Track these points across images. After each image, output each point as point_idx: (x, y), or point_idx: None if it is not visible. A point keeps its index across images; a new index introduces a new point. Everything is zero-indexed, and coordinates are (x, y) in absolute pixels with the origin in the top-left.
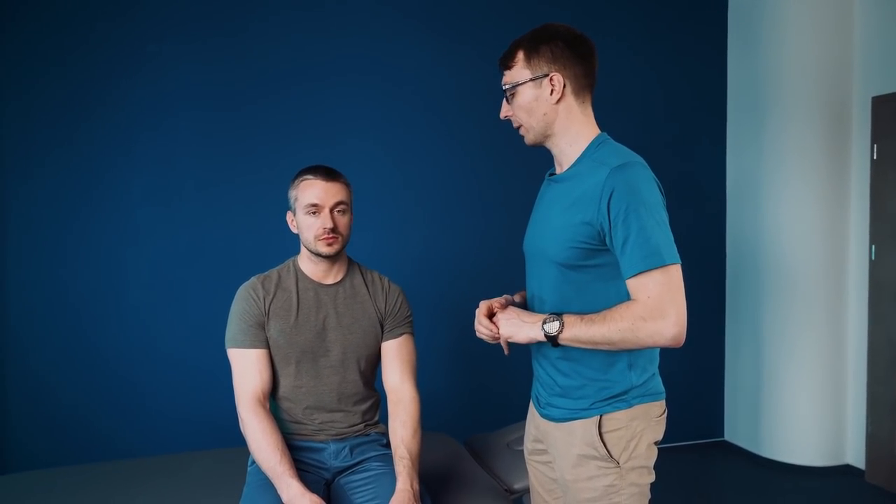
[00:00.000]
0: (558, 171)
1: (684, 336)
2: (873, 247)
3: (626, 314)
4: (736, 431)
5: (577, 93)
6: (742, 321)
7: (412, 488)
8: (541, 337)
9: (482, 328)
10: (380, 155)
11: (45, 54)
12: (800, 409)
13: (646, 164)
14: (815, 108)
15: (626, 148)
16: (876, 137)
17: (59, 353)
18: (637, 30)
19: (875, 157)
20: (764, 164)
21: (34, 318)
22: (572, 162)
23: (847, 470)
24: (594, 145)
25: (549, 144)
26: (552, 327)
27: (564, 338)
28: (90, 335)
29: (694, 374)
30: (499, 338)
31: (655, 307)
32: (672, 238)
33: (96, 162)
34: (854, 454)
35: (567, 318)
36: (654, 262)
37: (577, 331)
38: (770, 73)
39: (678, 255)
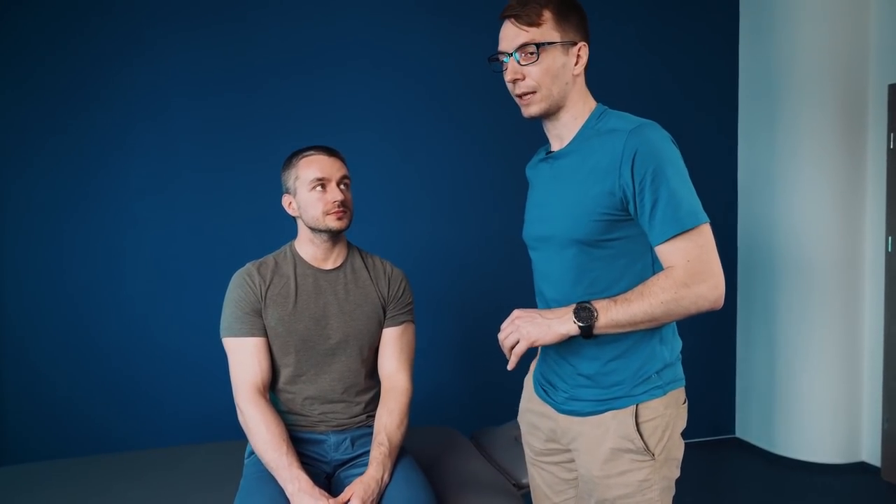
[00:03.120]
0: (557, 147)
1: (724, 297)
2: (890, 238)
3: (666, 284)
4: (748, 428)
5: (587, 66)
6: (754, 315)
7: (381, 479)
8: (574, 331)
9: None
10: (383, 144)
11: (41, 42)
12: (814, 405)
13: (658, 125)
14: (829, 97)
15: (629, 114)
16: (893, 126)
17: (57, 344)
18: (647, 17)
19: (892, 147)
20: (777, 153)
21: (31, 310)
22: (574, 134)
23: (862, 467)
24: (595, 116)
25: (552, 118)
26: (585, 317)
27: (601, 325)
28: (88, 327)
29: (705, 369)
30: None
31: (697, 271)
32: (697, 197)
33: (94, 151)
34: (869, 451)
35: (598, 304)
36: (689, 223)
37: (613, 314)
38: (783, 61)
39: (706, 213)
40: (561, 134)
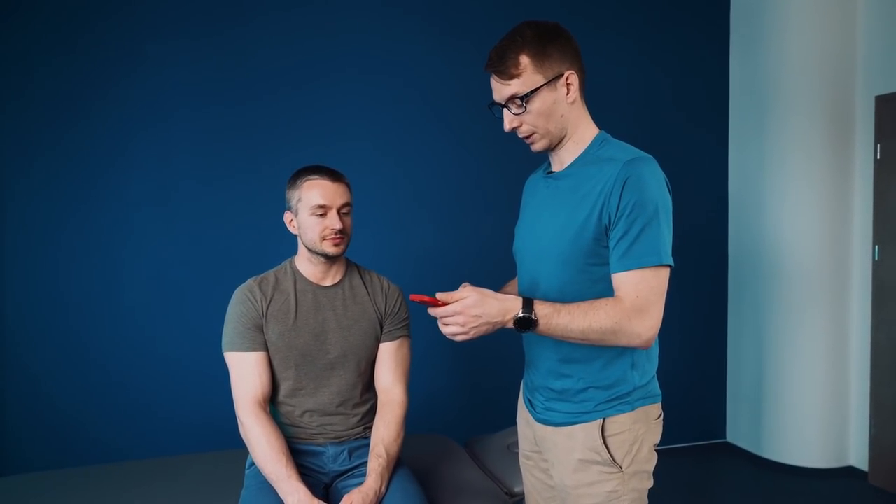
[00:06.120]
0: (557, 168)
1: (653, 341)
2: (876, 247)
3: (611, 313)
4: (738, 433)
5: (581, 88)
6: (744, 321)
7: (379, 490)
8: (509, 326)
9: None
10: (380, 154)
11: (42, 53)
12: (802, 410)
13: (655, 161)
14: (817, 107)
15: (629, 145)
16: (879, 137)
17: (56, 354)
18: (639, 27)
19: (878, 157)
20: (766, 163)
21: (31, 320)
22: (574, 158)
23: (850, 472)
24: (598, 142)
25: (557, 146)
26: (525, 325)
27: (538, 332)
28: (87, 337)
29: (696, 375)
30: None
31: (641, 308)
32: (671, 240)
33: (93, 161)
34: (857, 456)
35: (542, 311)
36: (650, 261)
37: (553, 326)
38: (772, 72)
39: (672, 258)
40: (562, 158)
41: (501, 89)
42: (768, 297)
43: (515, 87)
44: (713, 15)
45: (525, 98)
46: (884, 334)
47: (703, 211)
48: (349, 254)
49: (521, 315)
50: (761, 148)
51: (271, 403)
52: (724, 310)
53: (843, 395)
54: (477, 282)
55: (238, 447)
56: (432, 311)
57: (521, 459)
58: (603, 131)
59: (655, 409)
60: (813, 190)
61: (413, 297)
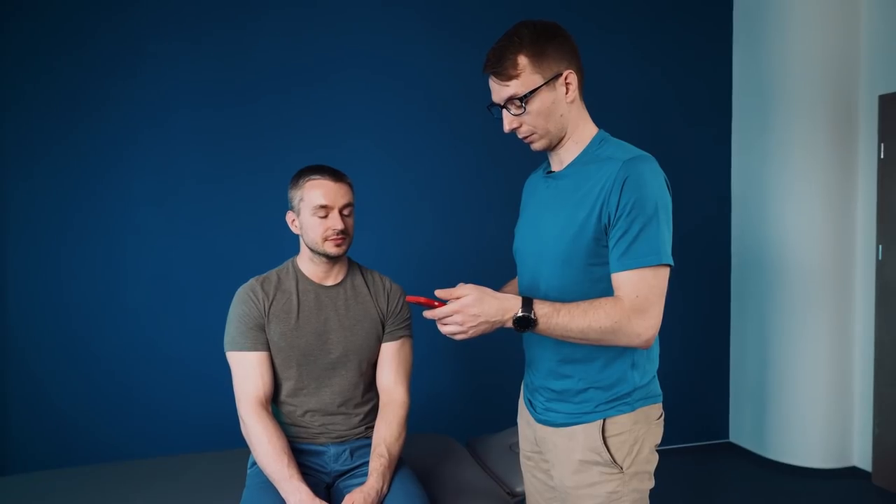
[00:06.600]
0: (556, 168)
1: (653, 340)
2: (880, 247)
3: (611, 313)
4: (741, 433)
5: (580, 88)
6: (747, 321)
7: (381, 490)
8: (508, 325)
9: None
10: (382, 154)
11: (45, 52)
12: (806, 410)
13: (654, 160)
14: (821, 107)
15: (629, 144)
16: (883, 136)
17: (59, 353)
18: (641, 27)
19: (882, 156)
20: (769, 162)
21: (34, 320)
22: (574, 158)
23: (853, 472)
24: (597, 142)
25: (557, 146)
26: (524, 324)
27: (538, 331)
28: (90, 336)
29: (699, 375)
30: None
31: (640, 307)
32: (670, 240)
33: (96, 161)
34: (860, 456)
35: (541, 311)
36: (650, 261)
37: (553, 326)
38: (775, 71)
39: (671, 258)
40: (562, 158)
41: (500, 90)
42: (771, 297)
43: (514, 87)
44: (715, 14)
45: (524, 99)
46: (887, 334)
47: (706, 210)
48: (351, 253)
49: (520, 314)
50: (764, 147)
51: (273, 403)
52: (727, 309)
53: (846, 395)
54: (479, 281)
55: (240, 446)
56: (428, 314)
57: (522, 460)
58: (602, 130)
59: (656, 410)
60: (816, 189)
61: (409, 298)
